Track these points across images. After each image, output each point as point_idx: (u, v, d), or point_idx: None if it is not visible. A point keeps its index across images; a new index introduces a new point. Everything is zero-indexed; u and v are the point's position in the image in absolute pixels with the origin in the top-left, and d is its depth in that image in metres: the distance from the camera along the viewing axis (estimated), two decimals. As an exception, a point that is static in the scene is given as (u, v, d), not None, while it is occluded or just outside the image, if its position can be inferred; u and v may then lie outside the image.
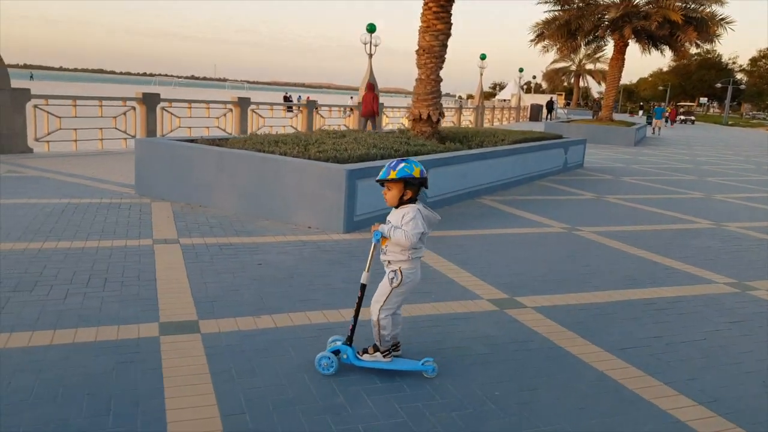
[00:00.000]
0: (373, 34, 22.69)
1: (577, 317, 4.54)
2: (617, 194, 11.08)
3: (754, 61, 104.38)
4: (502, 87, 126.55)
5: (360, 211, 6.94)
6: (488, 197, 9.76)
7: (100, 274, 4.91)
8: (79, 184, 8.94)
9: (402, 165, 3.33)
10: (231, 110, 17.02)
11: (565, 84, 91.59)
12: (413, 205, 3.37)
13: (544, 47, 28.29)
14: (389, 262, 3.43)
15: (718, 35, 25.86)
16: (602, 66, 77.18)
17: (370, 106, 18.14)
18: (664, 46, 28.37)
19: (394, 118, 25.43)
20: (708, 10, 25.09)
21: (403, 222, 3.31)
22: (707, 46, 29.22)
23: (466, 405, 3.17)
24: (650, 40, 26.95)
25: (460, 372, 3.55)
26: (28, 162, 10.84)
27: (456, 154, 9.17)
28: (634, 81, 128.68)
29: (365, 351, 3.53)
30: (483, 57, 34.25)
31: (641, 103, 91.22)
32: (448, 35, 11.39)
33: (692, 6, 24.88)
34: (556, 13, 27.03)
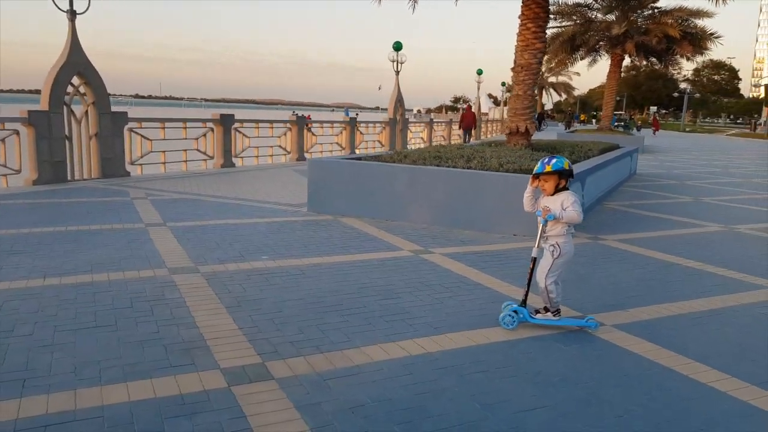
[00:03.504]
0: (398, 53, 23.37)
1: None
2: (707, 197, 12.01)
3: (697, 71, 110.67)
4: (465, 100, 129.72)
5: (566, 218, 7.51)
6: (610, 203, 10.48)
7: (423, 283, 5.30)
8: (240, 204, 9.17)
9: (554, 160, 4.12)
10: (290, 129, 17.32)
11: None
12: (568, 191, 4.15)
13: (547, 61, 29.59)
14: (547, 238, 4.20)
15: (709, 49, 27.69)
16: (564, 79, 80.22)
17: (470, 121, 25.02)
18: (653, 59, 30.25)
19: (416, 133, 26.06)
20: (700, 24, 26.87)
21: (568, 205, 4.06)
22: (699, 59, 31.16)
23: None
24: (646, 53, 28.59)
25: None
26: (143, 185, 10.93)
27: (598, 162, 9.86)
28: (585, 92, 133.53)
29: (537, 311, 4.27)
30: (480, 72, 35.43)
31: (620, 113, 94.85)
32: (544, 53, 12.16)
33: (688, 22, 26.57)
34: (560, 29, 28.35)
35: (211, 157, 14.64)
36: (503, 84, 51.33)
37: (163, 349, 3.71)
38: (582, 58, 30.85)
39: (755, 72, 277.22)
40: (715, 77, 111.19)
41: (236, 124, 15.23)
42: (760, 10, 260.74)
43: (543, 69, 75.20)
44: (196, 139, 14.30)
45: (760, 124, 69.88)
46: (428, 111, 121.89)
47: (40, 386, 3.17)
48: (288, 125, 17.35)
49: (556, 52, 28.86)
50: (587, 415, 3.05)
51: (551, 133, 33.03)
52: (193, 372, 3.40)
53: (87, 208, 8.53)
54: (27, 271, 5.26)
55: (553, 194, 4.20)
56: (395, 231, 7.48)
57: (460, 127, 25.88)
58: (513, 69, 12.27)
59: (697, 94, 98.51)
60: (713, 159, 24.56)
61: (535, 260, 4.26)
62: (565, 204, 4.10)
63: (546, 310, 4.29)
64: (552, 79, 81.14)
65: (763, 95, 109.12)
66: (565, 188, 4.20)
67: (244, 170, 14.29)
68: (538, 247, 4.24)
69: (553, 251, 4.20)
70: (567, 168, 4.14)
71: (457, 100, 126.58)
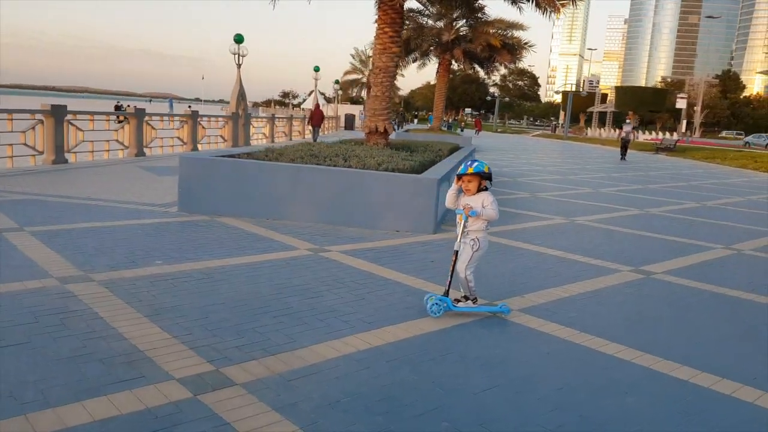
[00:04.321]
0: (240, 45, 22.78)
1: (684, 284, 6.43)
2: (541, 192, 13.54)
3: (504, 77, 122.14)
4: (294, 96, 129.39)
5: (440, 214, 8.09)
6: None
7: (336, 280, 5.45)
8: (98, 205, 8.46)
9: (476, 164, 4.53)
10: (128, 122, 16.12)
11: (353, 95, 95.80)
12: (488, 191, 4.62)
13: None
14: (467, 233, 4.61)
15: (524, 58, 30.91)
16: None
17: (319, 118, 27.10)
18: (475, 64, 33.04)
19: (258, 128, 25.64)
20: (516, 35, 29.87)
21: (488, 204, 4.52)
22: (512, 66, 34.58)
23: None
24: (471, 60, 31.08)
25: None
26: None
27: (459, 160, 10.63)
28: (407, 93, 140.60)
29: (458, 300, 4.68)
30: (317, 69, 35.77)
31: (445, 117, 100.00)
32: (400, 56, 12.82)
33: (507, 33, 29.34)
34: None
35: (41, 153, 13.15)
36: (336, 82, 52.49)
37: (100, 363, 3.45)
38: (415, 61, 32.57)
39: (549, 79, 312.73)
40: (519, 83, 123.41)
41: (69, 116, 13.84)
42: (554, 24, 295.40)
43: (371, 68, 79.04)
44: (24, 132, 12.74)
45: (556, 126, 79.37)
46: (255, 105, 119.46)
47: (-23, 417, 2.81)
48: (126, 118, 16.16)
49: (393, 54, 30.12)
50: (535, 390, 3.47)
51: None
52: (148, 385, 3.22)
53: None
54: None
55: (474, 194, 4.59)
56: (282, 230, 7.46)
57: (309, 124, 27.66)
58: (371, 71, 12.77)
59: (507, 99, 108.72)
60: (531, 158, 27.49)
61: (456, 252, 4.62)
62: (485, 203, 4.53)
63: (466, 298, 4.68)
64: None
65: (560, 101, 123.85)
66: (485, 189, 4.62)
67: (81, 167, 13.06)
68: (460, 241, 4.60)
69: (473, 245, 4.60)
70: (486, 171, 4.55)
71: (285, 95, 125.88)
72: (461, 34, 29.31)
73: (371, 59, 13.03)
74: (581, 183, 16.48)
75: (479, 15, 29.75)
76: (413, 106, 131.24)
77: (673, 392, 3.55)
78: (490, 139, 50.65)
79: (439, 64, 31.20)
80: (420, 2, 29.17)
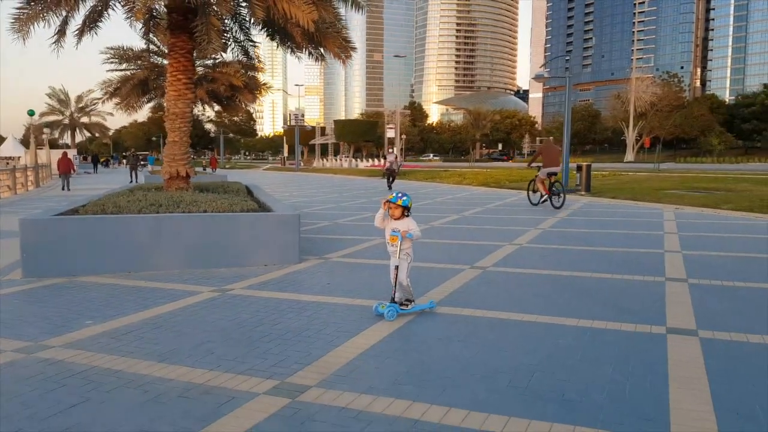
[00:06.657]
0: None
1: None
2: (340, 219, 15.07)
3: (219, 113, 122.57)
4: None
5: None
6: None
7: (287, 312, 6.12)
8: None
9: (404, 198, 5.84)
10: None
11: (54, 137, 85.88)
12: (410, 217, 5.89)
13: (118, 104, 29.44)
14: (401, 249, 5.76)
15: (264, 95, 32.61)
16: (96, 119, 76.81)
17: (67, 166, 27.24)
18: (214, 103, 33.63)
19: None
20: (258, 77, 31.38)
21: (413, 227, 5.79)
22: (253, 106, 36.04)
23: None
24: (215, 99, 31.57)
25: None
26: None
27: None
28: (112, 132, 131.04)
29: (402, 304, 5.83)
30: (31, 113, 32.18)
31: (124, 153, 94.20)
32: (195, 102, 13.28)
33: (249, 74, 30.59)
34: (130, 72, 28.56)
35: None
36: (47, 125, 47.15)
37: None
38: (150, 101, 31.61)
39: (257, 113, 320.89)
40: (235, 119, 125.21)
41: None
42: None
43: (73, 109, 71.98)
44: None
45: (284, 159, 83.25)
46: None
47: None
48: None
49: (128, 95, 28.89)
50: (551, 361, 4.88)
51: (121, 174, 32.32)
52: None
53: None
54: None
55: (399, 218, 5.83)
56: (161, 279, 7.53)
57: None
58: (166, 117, 12.89)
59: (231, 135, 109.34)
60: (303, 193, 28.98)
61: (397, 267, 5.77)
62: (410, 226, 5.81)
63: (408, 301, 5.87)
64: (84, 120, 76.90)
65: (272, 135, 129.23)
66: (407, 215, 5.89)
67: None
68: (398, 258, 5.76)
69: (406, 258, 5.83)
70: (410, 206, 5.87)
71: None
72: (200, 74, 29.65)
73: (165, 105, 13.11)
74: (364, 208, 18.52)
75: (214, 56, 30.44)
76: (122, 145, 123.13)
77: None
78: (231, 175, 50.76)
79: (179, 104, 30.98)
80: (154, 43, 28.75)
